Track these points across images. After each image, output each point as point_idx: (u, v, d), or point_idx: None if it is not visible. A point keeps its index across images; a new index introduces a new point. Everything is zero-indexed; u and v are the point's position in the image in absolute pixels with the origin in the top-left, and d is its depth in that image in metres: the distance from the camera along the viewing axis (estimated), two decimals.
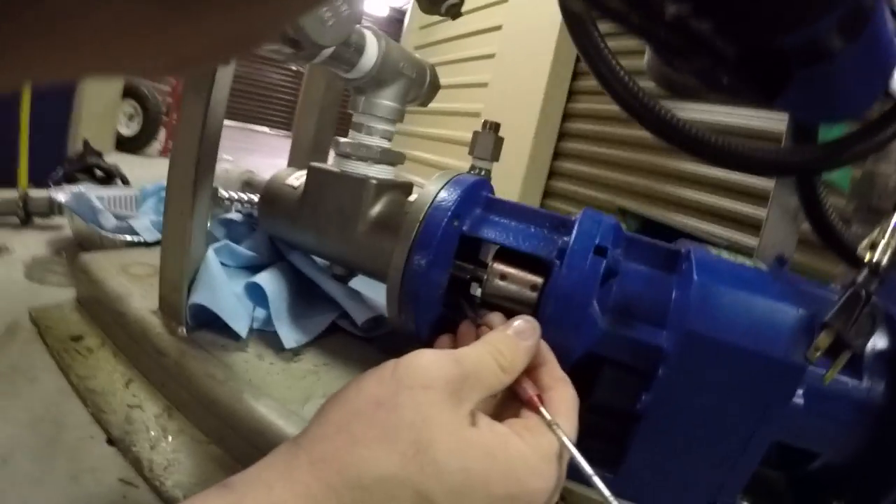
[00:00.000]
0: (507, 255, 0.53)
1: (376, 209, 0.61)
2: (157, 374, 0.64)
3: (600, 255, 0.48)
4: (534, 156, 1.92)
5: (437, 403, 0.32)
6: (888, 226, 0.42)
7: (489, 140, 0.78)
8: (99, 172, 1.39)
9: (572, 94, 1.91)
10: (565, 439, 0.36)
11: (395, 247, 0.50)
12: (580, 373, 0.51)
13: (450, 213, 0.51)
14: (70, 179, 1.28)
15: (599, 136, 1.79)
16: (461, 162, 2.10)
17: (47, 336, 0.74)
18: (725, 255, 0.52)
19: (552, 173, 1.96)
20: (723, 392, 0.45)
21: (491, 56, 2.20)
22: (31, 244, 1.03)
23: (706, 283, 0.46)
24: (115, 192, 1.11)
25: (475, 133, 0.80)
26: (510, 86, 2.05)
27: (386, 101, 0.62)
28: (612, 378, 0.51)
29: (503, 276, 0.52)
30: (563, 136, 1.94)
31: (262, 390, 0.56)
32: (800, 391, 0.45)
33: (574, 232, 0.49)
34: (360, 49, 0.59)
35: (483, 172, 0.80)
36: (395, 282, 0.51)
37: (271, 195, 0.69)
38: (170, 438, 0.58)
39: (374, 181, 0.61)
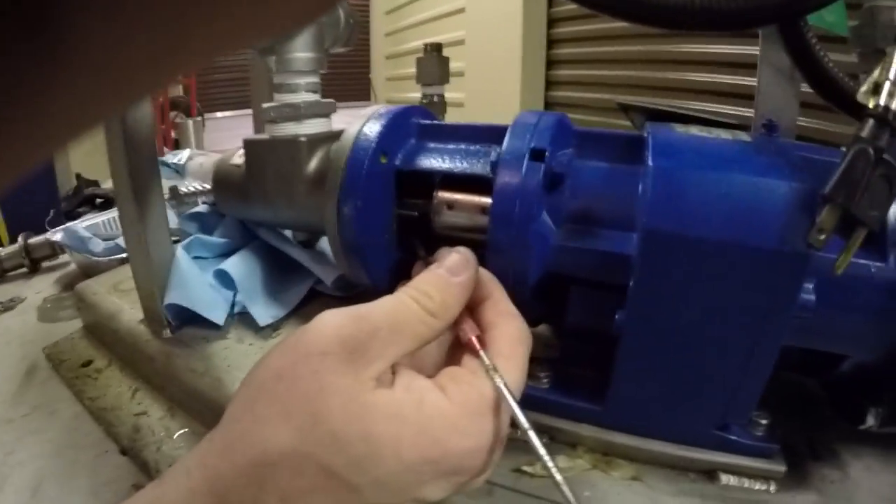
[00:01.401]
0: (454, 181, 0.49)
1: (312, 165, 0.58)
2: (156, 379, 0.64)
3: (538, 160, 0.43)
4: (526, 69, 1.83)
5: (335, 370, 0.29)
6: (892, 60, 0.32)
7: (432, 62, 0.73)
8: (98, 200, 1.41)
9: None
10: (500, 383, 0.31)
11: (325, 199, 0.48)
12: (551, 297, 0.47)
13: (372, 151, 0.47)
14: (73, 216, 1.30)
15: (588, 36, 1.70)
16: (458, 94, 2.04)
17: (60, 368, 0.75)
18: (696, 130, 0.44)
19: (549, 83, 1.88)
20: (708, 298, 0.37)
21: None
22: (41, 288, 1.05)
23: (665, 168, 0.38)
24: (106, 215, 1.11)
25: (418, 59, 0.75)
26: (487, 6, 1.96)
27: (298, 53, 0.58)
28: (581, 298, 0.45)
29: (450, 206, 0.49)
30: (552, 42, 1.85)
31: (240, 373, 0.55)
32: (808, 285, 0.36)
33: (505, 139, 0.45)
34: None
35: (436, 99, 0.75)
36: (333, 235, 0.49)
37: (221, 178, 0.68)
38: (174, 437, 0.58)
39: (303, 138, 0.58)
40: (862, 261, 0.38)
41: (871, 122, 0.32)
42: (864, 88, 0.34)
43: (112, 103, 0.13)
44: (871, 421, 0.43)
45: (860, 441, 0.46)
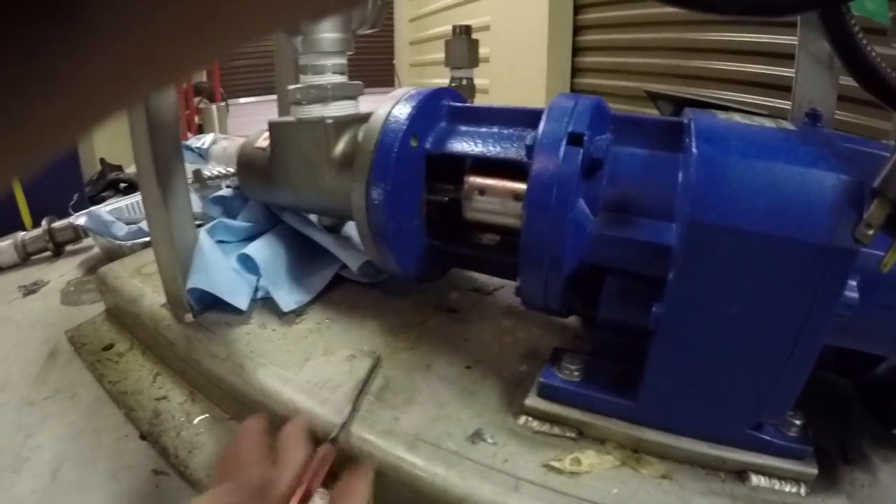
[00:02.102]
0: (486, 166, 0.48)
1: (339, 148, 0.57)
2: (177, 364, 0.64)
3: (576, 144, 0.41)
4: (552, 55, 1.81)
5: None
6: None
7: (462, 45, 0.71)
8: (122, 185, 1.41)
9: None
10: None
11: (354, 183, 0.47)
12: (584, 287, 0.45)
13: (402, 133, 0.46)
14: (97, 200, 1.30)
15: (615, 22, 1.67)
16: (483, 80, 2.02)
17: (82, 352, 0.75)
18: (739, 118, 0.42)
19: (575, 70, 1.85)
20: (751, 293, 0.35)
21: None
22: (65, 271, 1.06)
23: (711, 156, 0.35)
24: (130, 199, 1.11)
25: (446, 42, 0.73)
26: None
27: (326, 33, 0.57)
28: (617, 289, 0.44)
29: (482, 191, 0.47)
30: (578, 28, 1.82)
31: (263, 359, 0.55)
32: (852, 282, 0.34)
33: (541, 123, 0.43)
34: None
35: (465, 83, 0.74)
36: (361, 220, 0.47)
37: (245, 161, 0.67)
38: (194, 422, 0.58)
39: (330, 121, 0.57)
40: None
41: None
42: None
43: (138, 87, 0.12)
44: None
45: (892, 445, 0.45)
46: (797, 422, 0.41)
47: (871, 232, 0.31)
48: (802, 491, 0.41)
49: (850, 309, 0.34)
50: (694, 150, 0.36)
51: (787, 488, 0.41)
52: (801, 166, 0.34)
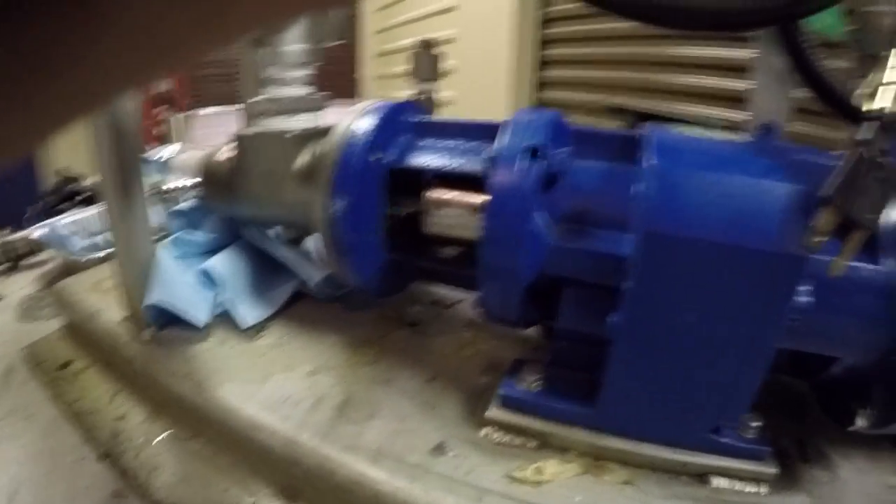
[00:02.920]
0: (447, 180, 0.48)
1: (301, 161, 0.57)
2: (136, 382, 0.63)
3: (534, 158, 0.42)
4: (518, 68, 1.82)
5: None
6: (887, 65, 0.33)
7: (428, 58, 0.72)
8: (78, 197, 1.37)
9: None
10: None
11: (315, 195, 0.47)
12: (542, 295, 0.46)
13: (364, 147, 0.46)
14: (54, 212, 1.27)
15: (584, 36, 1.69)
16: (449, 92, 2.02)
17: (38, 370, 0.73)
18: (695, 131, 0.44)
19: (542, 84, 1.87)
20: (705, 300, 0.37)
21: None
22: (21, 286, 1.03)
23: (665, 168, 0.37)
24: (88, 212, 1.09)
25: (414, 54, 0.74)
26: (480, 4, 1.94)
27: (290, 46, 0.57)
28: (575, 300, 0.44)
29: (441, 205, 0.47)
30: (546, 42, 1.84)
31: (223, 376, 0.54)
32: (803, 287, 0.36)
33: (501, 136, 0.44)
34: None
35: (429, 96, 0.75)
36: (322, 233, 0.47)
37: (209, 173, 0.66)
38: (154, 442, 0.57)
39: (292, 133, 0.57)
40: (856, 264, 0.37)
41: (868, 125, 0.32)
42: (860, 92, 0.34)
43: (143, 71, 0.12)
44: (862, 423, 0.43)
45: (849, 442, 0.46)
46: (754, 424, 0.42)
47: (820, 239, 0.32)
48: (763, 490, 0.42)
49: (801, 313, 0.36)
50: (648, 162, 0.38)
51: (748, 489, 0.42)
52: (752, 177, 0.36)
